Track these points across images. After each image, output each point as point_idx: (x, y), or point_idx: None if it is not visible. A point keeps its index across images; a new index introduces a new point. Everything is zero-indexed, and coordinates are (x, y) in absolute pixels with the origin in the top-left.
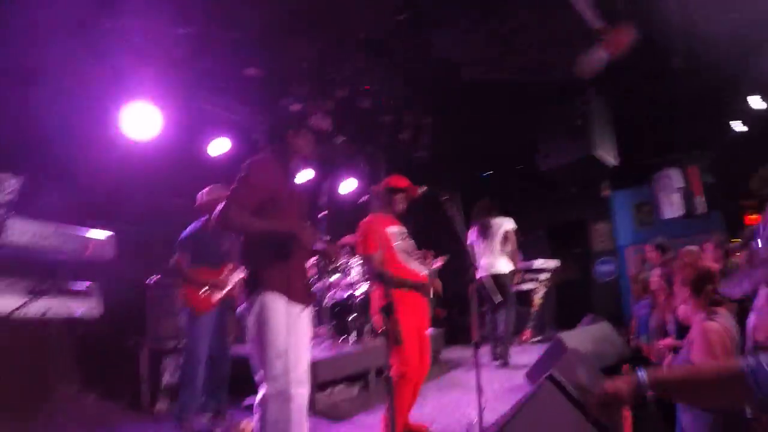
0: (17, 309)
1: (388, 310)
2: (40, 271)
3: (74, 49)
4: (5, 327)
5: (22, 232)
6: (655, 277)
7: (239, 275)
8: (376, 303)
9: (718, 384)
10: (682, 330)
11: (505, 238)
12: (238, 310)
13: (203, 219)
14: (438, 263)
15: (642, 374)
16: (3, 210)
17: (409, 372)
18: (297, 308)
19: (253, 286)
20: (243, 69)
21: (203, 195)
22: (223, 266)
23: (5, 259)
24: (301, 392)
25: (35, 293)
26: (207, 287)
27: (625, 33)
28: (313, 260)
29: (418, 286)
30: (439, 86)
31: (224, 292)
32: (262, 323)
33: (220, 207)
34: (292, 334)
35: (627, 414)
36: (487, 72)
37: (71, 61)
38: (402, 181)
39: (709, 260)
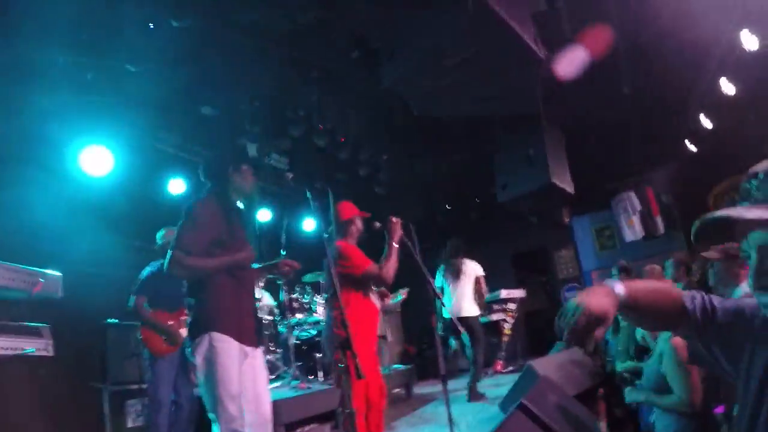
0: None
1: (346, 345)
2: None
3: (27, 84)
4: None
5: None
6: None
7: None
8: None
9: (670, 302)
10: (642, 352)
11: (477, 282)
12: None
13: (160, 262)
14: (403, 296)
15: (617, 284)
16: None
17: (370, 403)
18: (246, 348)
19: (200, 327)
20: (198, 108)
21: (163, 237)
22: (180, 309)
23: None
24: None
25: None
26: (167, 335)
27: (602, 35)
28: (267, 302)
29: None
30: (394, 121)
31: (184, 335)
32: (210, 364)
33: (168, 255)
34: (243, 374)
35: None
36: (436, 106)
37: (21, 97)
38: (353, 208)
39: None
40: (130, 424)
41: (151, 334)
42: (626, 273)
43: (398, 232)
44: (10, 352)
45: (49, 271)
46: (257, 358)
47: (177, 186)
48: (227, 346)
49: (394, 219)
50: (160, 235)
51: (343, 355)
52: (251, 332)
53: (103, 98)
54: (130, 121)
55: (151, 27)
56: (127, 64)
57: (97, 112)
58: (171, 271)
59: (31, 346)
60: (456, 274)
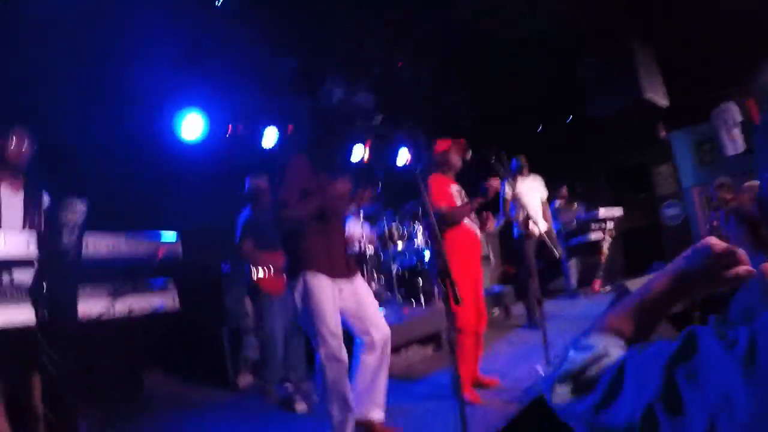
0: (105, 311)
1: (444, 274)
2: (120, 276)
3: (121, 59)
4: (97, 328)
5: (98, 244)
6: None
7: None
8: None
9: None
10: None
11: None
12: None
13: (250, 206)
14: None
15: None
16: (77, 231)
17: (466, 326)
18: (340, 282)
19: (293, 267)
20: (280, 60)
21: (248, 183)
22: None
23: (88, 270)
24: (378, 337)
25: (118, 295)
26: (278, 272)
27: None
28: (367, 233)
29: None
30: (475, 49)
31: None
32: (306, 300)
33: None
34: (334, 306)
35: None
36: (520, 26)
37: (120, 73)
38: (445, 142)
39: None
40: (251, 357)
41: (265, 275)
42: (727, 189)
43: (486, 197)
44: (145, 310)
45: (168, 234)
46: (356, 285)
47: (270, 137)
48: (320, 283)
49: (493, 184)
50: (247, 180)
51: (442, 283)
52: (342, 266)
53: (195, 66)
54: (220, 83)
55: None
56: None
57: (188, 79)
58: (280, 227)
59: (160, 303)
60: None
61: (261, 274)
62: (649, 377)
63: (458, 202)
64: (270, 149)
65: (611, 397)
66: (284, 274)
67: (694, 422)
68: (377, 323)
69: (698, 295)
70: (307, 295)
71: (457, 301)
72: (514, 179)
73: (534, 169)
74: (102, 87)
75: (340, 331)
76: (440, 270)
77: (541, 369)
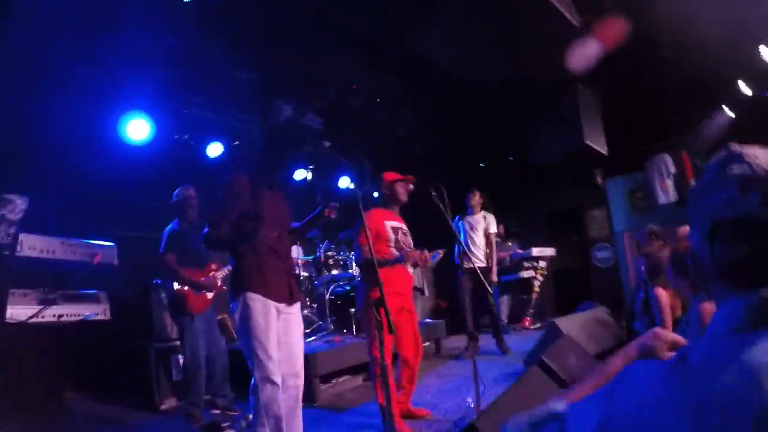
0: (33, 315)
1: (379, 302)
2: (52, 281)
3: (68, 60)
4: (22, 333)
5: (32, 246)
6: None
7: (223, 272)
8: (364, 297)
9: None
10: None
11: (487, 237)
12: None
13: (177, 220)
14: (439, 255)
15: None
16: (14, 228)
17: (401, 355)
18: (278, 305)
19: (236, 287)
20: (234, 73)
21: (175, 195)
22: (206, 265)
23: (20, 271)
24: (294, 383)
25: (48, 300)
26: (205, 289)
27: (616, 26)
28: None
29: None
30: (429, 84)
31: (214, 291)
32: (245, 319)
33: (205, 230)
34: (274, 329)
35: None
36: (474, 69)
37: (65, 74)
38: (394, 174)
39: None
40: (175, 378)
41: (183, 293)
42: (656, 237)
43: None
44: (74, 318)
45: (105, 243)
46: (291, 313)
47: (215, 149)
48: (259, 305)
49: (425, 254)
50: (176, 192)
51: (377, 312)
52: (283, 290)
53: (141, 68)
54: (170, 91)
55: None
56: (166, 37)
57: (136, 81)
58: (205, 245)
59: (91, 312)
60: (473, 226)
61: (183, 291)
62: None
63: (392, 239)
64: (214, 162)
65: None
66: (207, 292)
67: None
68: (298, 371)
69: None
70: (245, 315)
71: (390, 330)
72: (463, 215)
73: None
74: (48, 85)
75: (275, 353)
76: (375, 299)
77: (471, 401)
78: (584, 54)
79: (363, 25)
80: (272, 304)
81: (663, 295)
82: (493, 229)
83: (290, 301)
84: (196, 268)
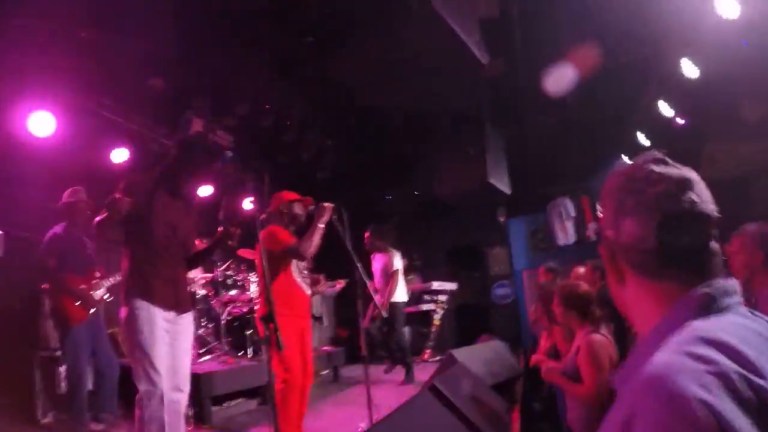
0: None
1: (269, 318)
2: None
3: None
4: None
5: None
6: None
7: (109, 282)
8: (259, 312)
9: None
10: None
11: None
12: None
13: (64, 224)
14: (339, 285)
15: None
16: None
17: (293, 378)
18: (165, 314)
19: (123, 293)
20: (147, 79)
21: (65, 197)
22: (90, 272)
23: None
24: (176, 398)
25: None
26: (80, 299)
27: (591, 54)
28: (200, 275)
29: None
30: (339, 108)
31: (97, 299)
32: (130, 328)
33: (97, 220)
34: (159, 339)
35: (515, 417)
36: (380, 97)
37: None
38: (292, 194)
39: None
40: (60, 390)
41: (63, 300)
42: (553, 274)
43: (325, 216)
44: None
45: None
46: (179, 324)
47: (120, 155)
48: (145, 313)
49: (325, 204)
50: (66, 194)
51: (266, 327)
52: (171, 299)
53: (52, 61)
54: (77, 87)
55: None
56: (79, 29)
57: (45, 75)
58: (95, 236)
59: None
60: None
61: (61, 299)
62: None
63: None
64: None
65: None
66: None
67: None
68: (181, 384)
69: None
70: (130, 323)
71: (279, 347)
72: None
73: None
74: None
75: (161, 365)
76: (266, 314)
77: (363, 429)
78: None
79: (282, 44)
80: (159, 312)
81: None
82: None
83: (178, 311)
84: (78, 275)
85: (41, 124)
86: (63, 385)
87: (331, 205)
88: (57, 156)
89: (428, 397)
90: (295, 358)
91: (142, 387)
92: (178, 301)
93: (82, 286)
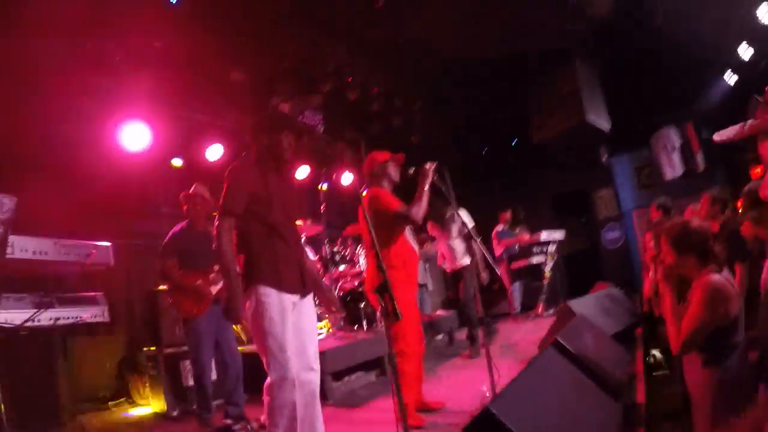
0: (28, 319)
1: (383, 288)
2: (46, 283)
3: (66, 69)
4: (18, 339)
5: (24, 248)
6: (647, 241)
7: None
8: (371, 280)
9: None
10: None
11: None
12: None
13: (184, 222)
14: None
15: None
16: (2, 228)
17: (408, 346)
18: (291, 297)
19: (246, 281)
20: (228, 74)
21: (185, 196)
22: (210, 267)
23: (12, 274)
24: (308, 378)
25: (44, 304)
26: (193, 295)
27: None
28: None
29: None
30: (423, 68)
31: (214, 292)
32: (257, 315)
33: (215, 224)
34: (288, 322)
35: (638, 364)
36: (467, 47)
37: (64, 81)
38: (384, 154)
39: (704, 216)
40: (185, 384)
41: (178, 297)
42: (666, 211)
43: (429, 177)
44: (71, 321)
45: (99, 243)
46: (304, 306)
47: (214, 153)
48: (274, 299)
49: (426, 165)
50: (184, 194)
51: (381, 298)
52: (297, 282)
53: (136, 76)
54: (164, 96)
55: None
56: (153, 40)
57: (132, 89)
58: (215, 245)
59: (89, 314)
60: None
61: (178, 294)
62: None
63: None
64: (213, 164)
65: None
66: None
67: None
68: (313, 364)
69: None
70: (258, 311)
71: (397, 317)
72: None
73: (477, 192)
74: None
75: (293, 350)
76: (380, 285)
77: (487, 390)
78: None
79: (351, 16)
80: (286, 297)
81: None
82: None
83: (303, 292)
84: (196, 270)
85: (136, 136)
86: (187, 378)
87: (433, 165)
88: (156, 164)
89: (553, 353)
90: (411, 326)
91: (274, 373)
92: (303, 283)
93: (199, 281)
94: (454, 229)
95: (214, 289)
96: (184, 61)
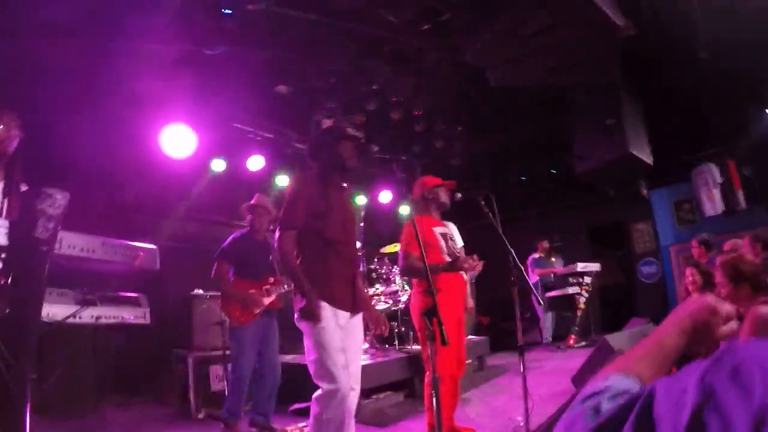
0: (70, 315)
1: (432, 312)
2: (92, 281)
3: (115, 73)
4: (59, 333)
5: (72, 244)
6: (688, 276)
7: (282, 289)
8: (417, 305)
9: None
10: None
11: None
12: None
13: (245, 230)
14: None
15: None
16: (53, 223)
17: (447, 372)
18: (343, 314)
19: (299, 294)
20: (273, 87)
21: (248, 207)
22: (265, 278)
23: (58, 269)
24: (352, 393)
25: (87, 301)
26: (244, 303)
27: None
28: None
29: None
30: (468, 93)
31: (266, 304)
32: (311, 328)
33: (277, 237)
34: (339, 339)
35: None
36: (513, 76)
37: (111, 85)
38: (435, 179)
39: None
40: (213, 388)
41: (229, 303)
42: (707, 247)
43: (467, 270)
44: (112, 321)
45: (147, 245)
46: (352, 324)
47: (256, 163)
48: (328, 312)
49: (476, 260)
50: (247, 205)
51: (429, 322)
52: (348, 300)
53: (181, 82)
54: (211, 105)
55: (227, 12)
56: (203, 48)
57: (179, 96)
58: (279, 259)
59: (131, 315)
60: None
61: (228, 302)
62: (687, 390)
63: (442, 246)
64: (253, 174)
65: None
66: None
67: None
68: (355, 383)
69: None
70: (311, 324)
71: (444, 342)
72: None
73: (514, 219)
74: (100, 88)
75: (345, 364)
76: (428, 309)
77: (521, 420)
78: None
79: (398, 37)
80: (338, 312)
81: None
82: None
83: (354, 311)
84: (252, 280)
85: (181, 143)
86: (214, 383)
87: (480, 264)
88: (197, 171)
89: None
90: (450, 350)
91: (325, 386)
92: (354, 300)
93: (252, 291)
94: None
95: (267, 301)
96: (229, 70)
